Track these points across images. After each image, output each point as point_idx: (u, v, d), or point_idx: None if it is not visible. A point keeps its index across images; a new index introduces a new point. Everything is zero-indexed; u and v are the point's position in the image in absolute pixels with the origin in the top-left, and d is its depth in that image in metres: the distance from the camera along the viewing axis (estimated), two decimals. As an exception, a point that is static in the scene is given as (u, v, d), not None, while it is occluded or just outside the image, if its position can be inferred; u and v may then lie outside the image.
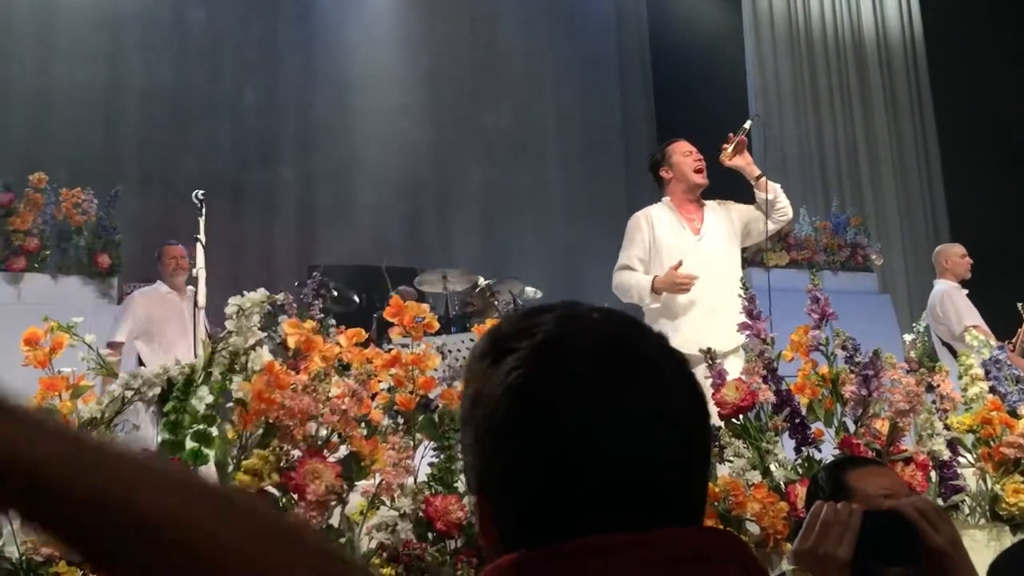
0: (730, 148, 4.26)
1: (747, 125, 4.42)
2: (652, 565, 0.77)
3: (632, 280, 4.20)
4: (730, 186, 4.48)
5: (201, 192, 3.93)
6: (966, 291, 6.19)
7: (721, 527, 2.62)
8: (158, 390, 2.46)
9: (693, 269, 4.07)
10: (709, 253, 4.20)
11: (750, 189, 4.36)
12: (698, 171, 4.28)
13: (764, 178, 4.28)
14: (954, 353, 5.49)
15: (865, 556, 1.47)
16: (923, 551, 1.45)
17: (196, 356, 2.76)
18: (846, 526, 1.49)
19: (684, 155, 4.33)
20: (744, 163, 4.30)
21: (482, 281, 6.61)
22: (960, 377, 3.35)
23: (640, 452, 0.79)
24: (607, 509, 0.79)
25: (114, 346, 5.28)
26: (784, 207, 4.30)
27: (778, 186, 4.34)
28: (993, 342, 5.23)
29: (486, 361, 0.85)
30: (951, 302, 6.02)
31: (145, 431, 2.63)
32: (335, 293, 6.21)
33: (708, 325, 4.00)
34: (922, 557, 1.45)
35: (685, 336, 3.95)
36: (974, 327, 5.68)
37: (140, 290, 5.80)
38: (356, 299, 6.69)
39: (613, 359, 0.82)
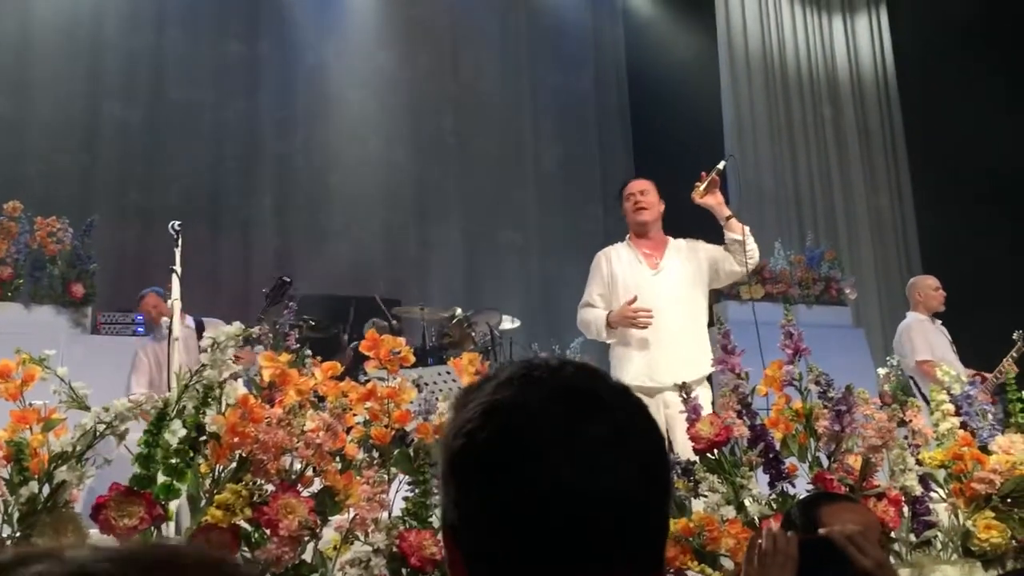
0: (702, 187, 4.34)
1: (721, 165, 4.50)
2: None
3: (591, 316, 4.39)
4: (704, 224, 4.55)
5: (177, 223, 3.92)
6: (939, 322, 6.20)
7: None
8: (129, 423, 2.44)
9: (649, 303, 4.22)
10: (666, 288, 4.32)
11: (720, 228, 4.45)
12: (637, 210, 4.46)
13: (734, 219, 4.38)
14: (917, 386, 5.56)
15: None
16: (853, 574, 1.60)
17: (169, 389, 2.74)
18: (787, 554, 1.62)
19: (627, 199, 4.54)
20: (715, 202, 4.40)
21: (459, 312, 6.61)
22: (931, 412, 3.39)
23: (598, 486, 0.81)
24: (568, 547, 0.80)
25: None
26: (752, 250, 4.38)
27: (747, 228, 4.43)
28: (960, 369, 5.29)
29: (454, 408, 0.87)
30: (909, 335, 6.06)
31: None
32: (312, 322, 6.19)
33: (663, 358, 4.12)
34: None
35: (638, 368, 4.09)
36: (924, 361, 5.76)
37: (142, 341, 5.81)
38: (334, 329, 6.67)
39: (567, 398, 0.84)
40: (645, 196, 4.46)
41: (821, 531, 1.74)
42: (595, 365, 0.92)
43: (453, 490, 0.85)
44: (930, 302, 6.20)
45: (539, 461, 0.81)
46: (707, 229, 4.55)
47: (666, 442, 0.93)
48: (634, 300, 4.18)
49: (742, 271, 4.48)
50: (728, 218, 4.39)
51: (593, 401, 0.85)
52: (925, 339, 6.02)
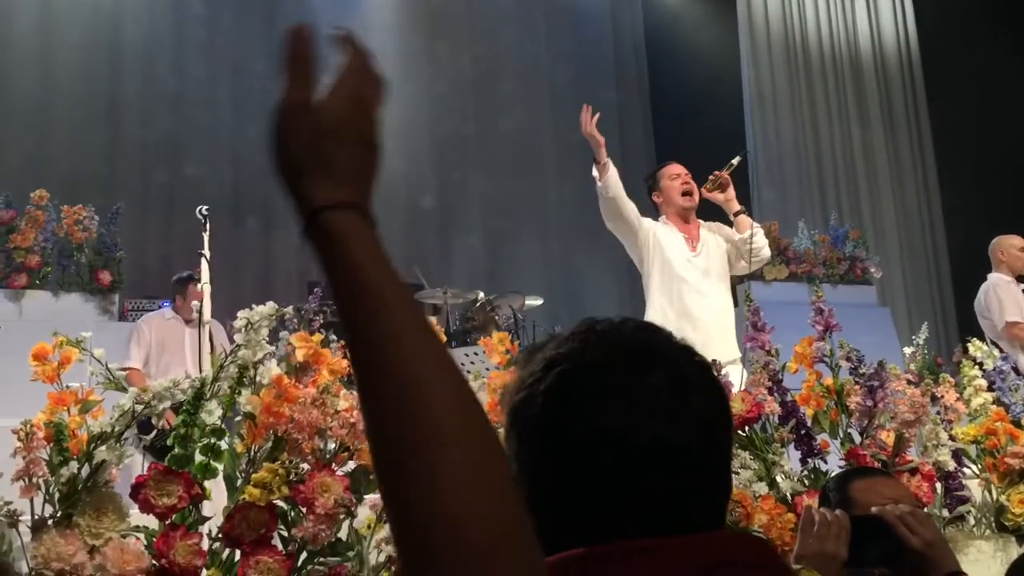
0: (711, 186, 4.35)
1: (734, 161, 4.48)
2: (688, 569, 0.78)
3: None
4: (720, 213, 4.56)
5: (205, 208, 3.95)
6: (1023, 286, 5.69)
7: (754, 534, 2.64)
8: (168, 404, 2.47)
9: (690, 282, 4.21)
10: (704, 268, 4.31)
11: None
12: (685, 194, 4.38)
13: (743, 215, 4.37)
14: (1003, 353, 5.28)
15: (851, 558, 1.60)
16: (903, 553, 1.59)
17: (203, 370, 2.77)
18: (842, 529, 1.63)
19: (671, 179, 4.45)
20: (724, 198, 4.40)
21: (482, 296, 6.62)
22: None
23: (651, 435, 0.81)
24: (619, 496, 0.80)
25: (129, 372, 5.25)
26: (759, 247, 4.34)
27: (757, 225, 4.42)
28: None
29: (518, 365, 0.88)
30: (996, 294, 5.57)
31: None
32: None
33: (700, 337, 4.07)
34: (903, 558, 1.57)
35: None
36: (1014, 323, 5.33)
37: (147, 315, 5.79)
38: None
39: (627, 350, 0.85)
40: (691, 179, 4.43)
41: (874, 509, 1.73)
42: (658, 326, 0.92)
43: (514, 442, 0.86)
44: (1015, 263, 5.70)
45: (593, 410, 0.82)
46: (724, 218, 4.56)
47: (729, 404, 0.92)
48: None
49: (749, 269, 4.52)
50: (736, 214, 4.40)
51: (652, 354, 0.85)
52: (1014, 299, 5.54)
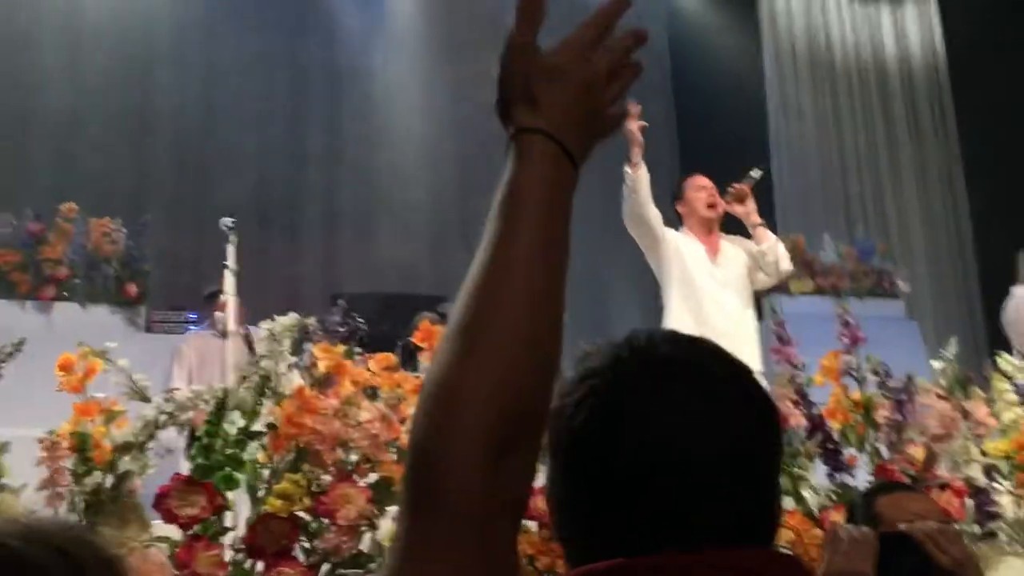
0: (729, 197, 4.34)
1: (753, 174, 4.46)
2: None
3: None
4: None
5: (230, 220, 3.94)
6: None
7: (789, 552, 2.60)
8: (191, 414, 2.48)
9: (710, 292, 4.21)
10: (725, 280, 4.31)
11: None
12: (710, 206, 4.38)
13: (761, 227, 4.36)
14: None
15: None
16: (932, 571, 1.55)
17: (227, 381, 2.77)
18: (869, 546, 1.58)
19: (696, 190, 4.44)
20: (743, 211, 4.38)
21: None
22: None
23: (703, 461, 0.79)
24: (673, 521, 0.78)
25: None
26: (773, 261, 4.32)
27: (775, 238, 4.40)
28: None
29: (562, 384, 0.87)
30: None
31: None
32: (361, 320, 6.22)
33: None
34: None
35: None
36: None
37: (187, 334, 5.84)
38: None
39: (676, 373, 0.83)
40: (716, 193, 4.43)
41: (902, 526, 1.70)
42: (701, 338, 0.91)
43: (550, 459, 0.85)
44: None
45: (622, 431, 0.80)
46: (746, 233, 4.55)
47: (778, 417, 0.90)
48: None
49: (771, 281, 4.48)
50: (756, 227, 4.38)
51: (686, 373, 0.84)
52: None
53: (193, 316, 6.16)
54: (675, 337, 0.88)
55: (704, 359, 0.86)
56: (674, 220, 4.55)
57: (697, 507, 0.79)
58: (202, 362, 5.51)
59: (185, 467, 3.22)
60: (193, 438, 2.83)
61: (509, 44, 0.84)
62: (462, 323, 0.75)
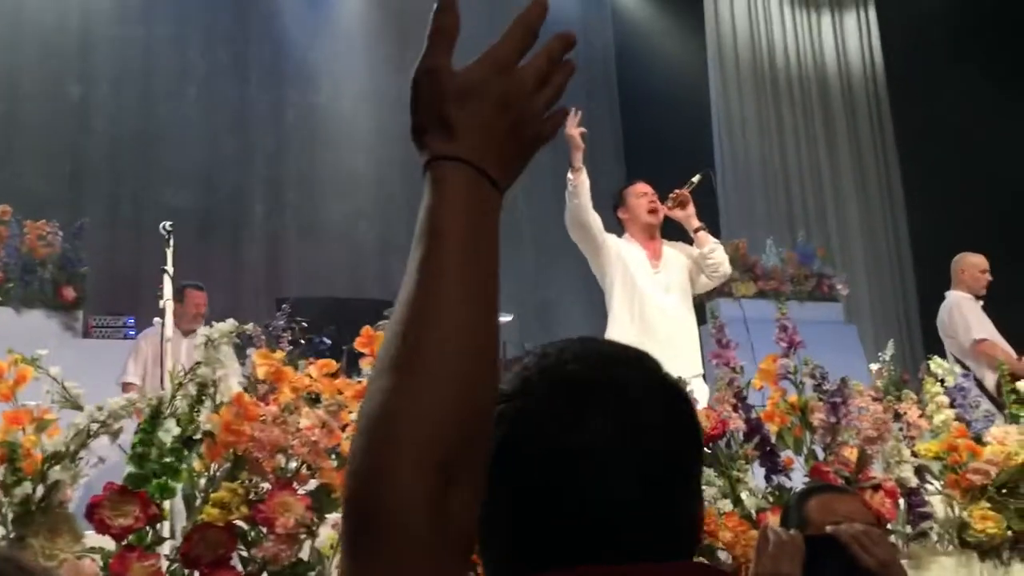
0: (670, 204, 4.39)
1: (694, 180, 4.54)
2: None
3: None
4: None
5: (168, 224, 3.92)
6: (981, 303, 5.73)
7: (704, 562, 2.63)
8: (124, 423, 2.43)
9: (652, 297, 4.28)
10: (667, 285, 4.38)
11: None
12: (651, 211, 4.45)
13: (702, 232, 4.42)
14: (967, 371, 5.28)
15: None
16: (857, 572, 1.58)
17: (164, 388, 2.73)
18: (796, 548, 1.62)
19: (638, 197, 4.52)
20: (684, 216, 4.45)
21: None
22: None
23: (613, 482, 0.79)
24: (585, 539, 0.79)
25: (128, 387, 5.18)
26: (715, 263, 4.38)
27: (716, 241, 4.47)
28: (1012, 352, 5.09)
29: None
30: (960, 313, 5.56)
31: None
32: (305, 324, 6.16)
33: (662, 353, 4.07)
34: None
35: None
36: (981, 341, 5.31)
37: (146, 330, 5.71)
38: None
39: (583, 395, 0.83)
40: (657, 199, 4.48)
41: (828, 529, 1.73)
42: (614, 354, 0.90)
43: None
44: (974, 284, 5.72)
45: (532, 451, 0.81)
46: (687, 238, 4.61)
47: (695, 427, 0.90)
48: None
49: (712, 284, 4.58)
50: (697, 231, 4.45)
51: (595, 398, 0.83)
52: (978, 317, 5.54)
53: (131, 321, 6.05)
54: (585, 354, 0.87)
55: (615, 376, 0.85)
56: (617, 228, 4.60)
57: (608, 525, 0.79)
58: (158, 361, 5.40)
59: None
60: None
61: (418, 68, 0.81)
62: (395, 360, 0.72)
